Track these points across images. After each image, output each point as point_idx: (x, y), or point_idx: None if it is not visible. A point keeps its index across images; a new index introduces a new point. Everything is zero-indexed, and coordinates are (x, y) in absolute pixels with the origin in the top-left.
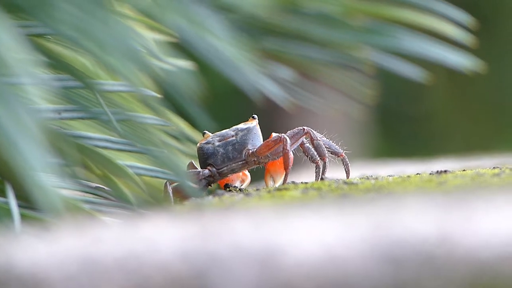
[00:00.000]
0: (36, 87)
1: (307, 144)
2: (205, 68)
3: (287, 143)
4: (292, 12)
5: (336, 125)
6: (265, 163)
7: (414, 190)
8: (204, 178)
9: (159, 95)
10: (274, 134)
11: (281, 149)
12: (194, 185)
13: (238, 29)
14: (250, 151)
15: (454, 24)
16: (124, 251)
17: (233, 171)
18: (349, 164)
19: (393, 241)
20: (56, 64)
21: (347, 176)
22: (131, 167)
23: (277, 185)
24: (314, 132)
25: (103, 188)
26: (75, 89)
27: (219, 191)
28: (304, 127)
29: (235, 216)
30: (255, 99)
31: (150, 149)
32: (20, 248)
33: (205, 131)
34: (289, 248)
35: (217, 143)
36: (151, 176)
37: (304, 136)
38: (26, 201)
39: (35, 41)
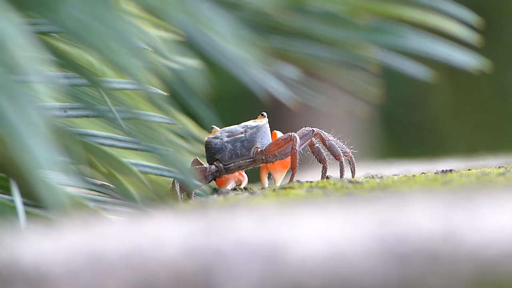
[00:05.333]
0: (43, 85)
1: (317, 145)
2: (212, 66)
3: (297, 142)
4: (298, 10)
5: (341, 124)
6: (272, 162)
7: (419, 189)
8: (211, 174)
9: (165, 93)
10: (278, 133)
11: (289, 149)
12: (199, 183)
13: (244, 27)
14: (259, 149)
15: (460, 23)
16: (129, 247)
17: (240, 168)
18: (355, 164)
19: (398, 238)
20: (63, 62)
21: (353, 176)
22: (136, 165)
23: (278, 183)
24: (324, 133)
25: (109, 186)
26: (81, 87)
27: (224, 190)
28: (313, 128)
29: (240, 213)
30: (261, 97)
31: (156, 147)
32: (25, 244)
33: (213, 125)
34: (293, 245)
35: (225, 139)
36: (157, 174)
37: (314, 137)
38: (32, 199)
39: (42, 39)
